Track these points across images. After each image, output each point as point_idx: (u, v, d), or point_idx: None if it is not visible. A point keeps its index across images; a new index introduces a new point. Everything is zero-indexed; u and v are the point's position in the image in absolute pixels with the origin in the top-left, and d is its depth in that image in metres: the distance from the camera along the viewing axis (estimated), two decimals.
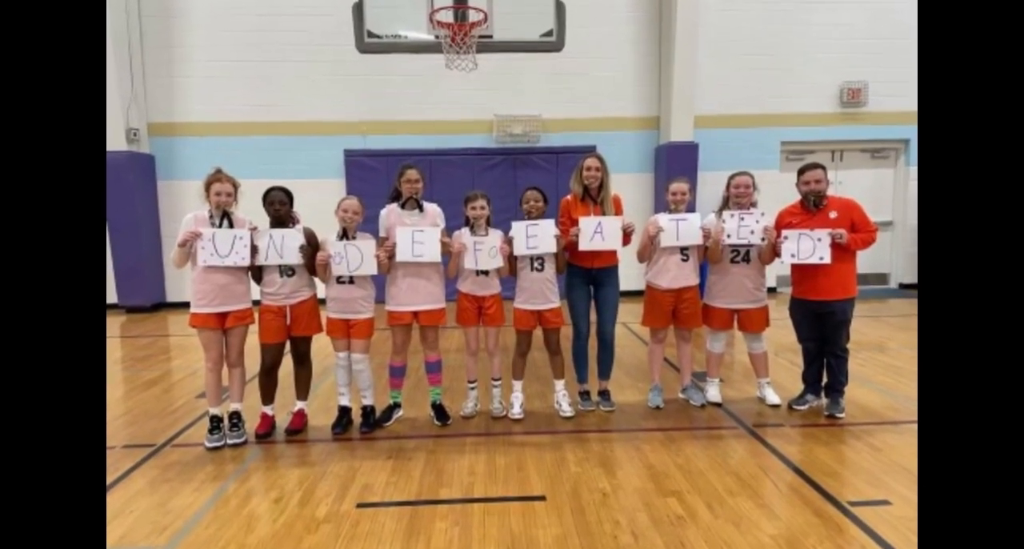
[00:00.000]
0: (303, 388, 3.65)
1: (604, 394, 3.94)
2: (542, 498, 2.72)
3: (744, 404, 3.94)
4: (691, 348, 4.04)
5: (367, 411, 3.63)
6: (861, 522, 2.47)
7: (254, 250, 3.33)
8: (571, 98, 8.50)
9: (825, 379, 3.76)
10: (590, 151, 4.02)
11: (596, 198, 3.69)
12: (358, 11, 5.25)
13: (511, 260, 3.61)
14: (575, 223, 3.60)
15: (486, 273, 3.61)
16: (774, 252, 3.64)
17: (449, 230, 3.66)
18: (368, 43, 5.34)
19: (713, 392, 3.97)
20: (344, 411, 3.65)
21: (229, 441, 3.39)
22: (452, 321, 3.79)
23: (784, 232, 3.56)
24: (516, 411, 3.75)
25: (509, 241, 3.58)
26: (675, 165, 7.94)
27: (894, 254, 9.08)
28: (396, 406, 3.78)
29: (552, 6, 5.27)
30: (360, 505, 2.70)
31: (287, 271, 3.42)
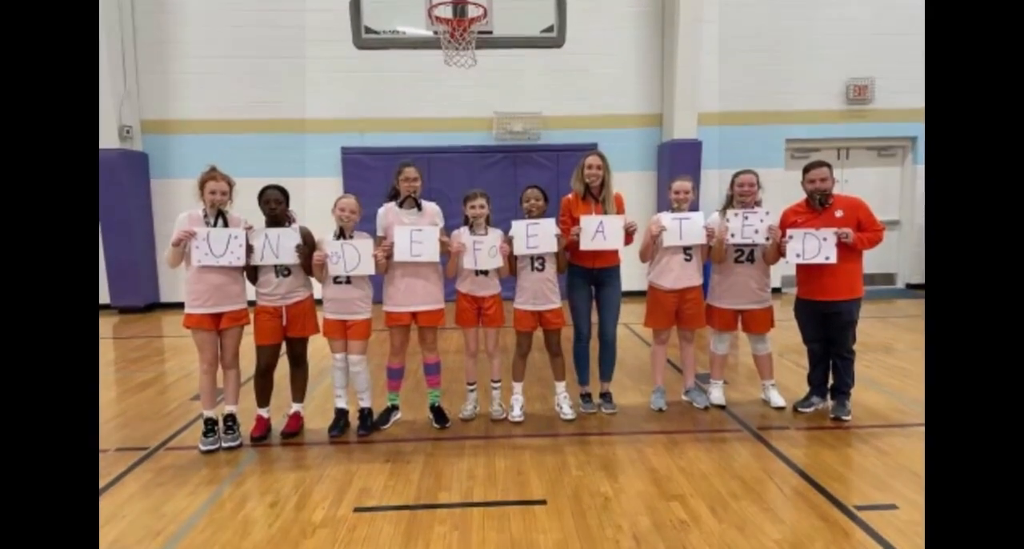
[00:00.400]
0: (299, 390, 3.65)
1: (606, 396, 3.94)
2: (543, 502, 2.72)
3: (748, 406, 3.94)
4: (694, 349, 4.04)
5: (364, 413, 3.63)
6: (868, 526, 2.47)
7: (249, 250, 3.33)
8: (572, 95, 8.50)
9: (831, 381, 3.77)
10: (591, 149, 4.01)
11: (598, 197, 3.69)
12: (355, 6, 5.25)
13: (511, 260, 3.61)
14: (576, 222, 3.60)
15: (485, 273, 3.61)
16: (779, 252, 3.64)
17: (448, 229, 3.66)
18: (366, 39, 5.34)
19: (716, 394, 3.97)
20: (341, 413, 3.65)
21: (224, 444, 3.39)
22: (451, 322, 3.79)
23: (789, 231, 3.56)
24: (516, 414, 3.75)
25: (509, 240, 3.58)
26: (678, 163, 7.94)
27: (901, 254, 9.08)
28: (394, 408, 3.78)
29: (553, 1, 5.27)
30: (357, 509, 2.70)
31: (283, 271, 3.42)
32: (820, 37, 8.50)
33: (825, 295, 3.57)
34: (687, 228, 3.65)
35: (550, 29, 5.32)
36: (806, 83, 8.57)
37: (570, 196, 3.77)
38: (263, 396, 3.55)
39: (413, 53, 7.19)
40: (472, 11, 4.99)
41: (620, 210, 3.70)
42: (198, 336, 3.34)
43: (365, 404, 3.64)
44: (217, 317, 3.33)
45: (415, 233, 3.41)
